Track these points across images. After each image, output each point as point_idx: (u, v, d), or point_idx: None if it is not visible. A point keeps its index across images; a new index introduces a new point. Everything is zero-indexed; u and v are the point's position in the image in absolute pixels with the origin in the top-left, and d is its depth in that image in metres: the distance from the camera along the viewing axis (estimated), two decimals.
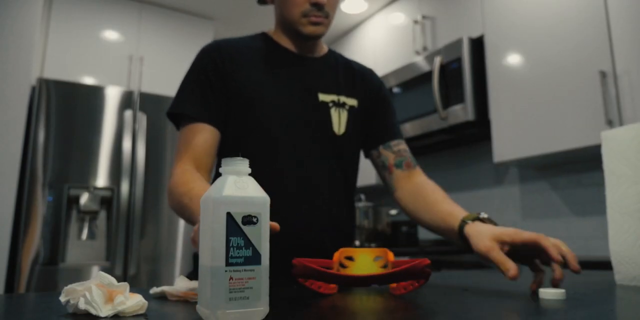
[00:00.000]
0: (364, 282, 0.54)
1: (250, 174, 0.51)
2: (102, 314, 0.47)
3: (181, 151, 0.98)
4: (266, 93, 1.02)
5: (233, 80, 1.02)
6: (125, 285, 0.50)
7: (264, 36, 1.12)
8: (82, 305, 0.48)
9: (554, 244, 0.70)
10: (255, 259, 0.47)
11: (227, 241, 0.46)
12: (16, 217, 2.38)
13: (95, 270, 2.45)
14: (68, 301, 0.49)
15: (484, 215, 0.86)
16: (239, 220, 0.47)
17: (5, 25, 2.49)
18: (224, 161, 0.50)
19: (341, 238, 1.07)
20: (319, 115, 1.05)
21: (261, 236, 0.48)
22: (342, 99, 1.09)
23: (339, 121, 1.07)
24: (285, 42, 1.10)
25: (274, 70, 1.06)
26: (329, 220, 1.04)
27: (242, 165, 0.50)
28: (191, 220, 0.81)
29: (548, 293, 0.60)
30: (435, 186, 1.05)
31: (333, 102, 1.08)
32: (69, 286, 0.50)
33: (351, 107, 1.10)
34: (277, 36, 1.11)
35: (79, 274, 2.41)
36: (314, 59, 1.12)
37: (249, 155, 0.77)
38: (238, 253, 0.46)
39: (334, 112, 1.07)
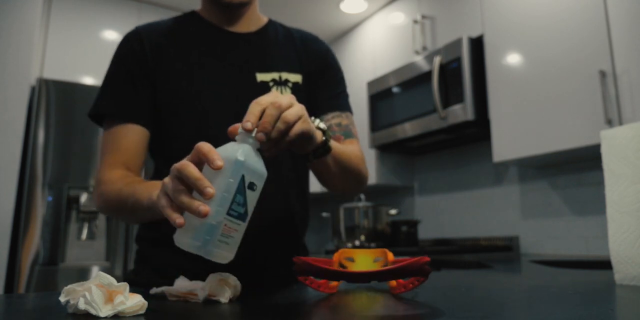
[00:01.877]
0: (364, 278, 0.54)
1: None
2: (102, 314, 0.47)
3: (107, 154, 0.90)
4: (197, 80, 0.93)
5: (159, 71, 0.93)
6: (125, 286, 0.50)
7: (192, 15, 1.01)
8: (81, 306, 0.48)
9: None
10: (243, 217, 0.57)
11: (234, 196, 0.55)
12: (16, 217, 2.38)
13: (95, 271, 2.45)
14: (68, 301, 0.49)
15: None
16: (246, 184, 0.56)
17: (5, 25, 2.49)
18: (244, 133, 0.58)
19: (287, 239, 0.99)
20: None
21: (253, 202, 0.58)
22: (284, 75, 0.98)
23: None
24: (215, 19, 0.99)
25: (204, 53, 0.96)
26: (275, 217, 0.94)
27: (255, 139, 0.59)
28: (139, 204, 0.75)
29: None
30: (350, 152, 0.92)
31: (274, 80, 0.97)
32: (69, 286, 0.50)
33: (295, 84, 0.99)
34: (205, 13, 1.00)
35: (79, 274, 2.41)
36: (248, 35, 1.00)
37: (186, 149, 0.73)
38: (236, 208, 0.55)
39: (275, 92, 0.99)
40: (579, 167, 2.19)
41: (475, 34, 2.37)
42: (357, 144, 1.01)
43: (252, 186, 0.57)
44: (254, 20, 1.02)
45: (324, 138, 0.76)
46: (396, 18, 2.97)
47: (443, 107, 2.33)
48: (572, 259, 1.76)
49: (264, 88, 0.95)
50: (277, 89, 0.97)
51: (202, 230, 0.53)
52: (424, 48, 2.69)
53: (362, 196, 2.87)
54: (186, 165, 0.55)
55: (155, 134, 0.95)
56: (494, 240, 2.51)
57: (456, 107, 2.28)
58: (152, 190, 0.72)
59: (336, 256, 0.74)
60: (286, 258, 0.98)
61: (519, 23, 2.15)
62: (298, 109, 0.64)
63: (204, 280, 0.63)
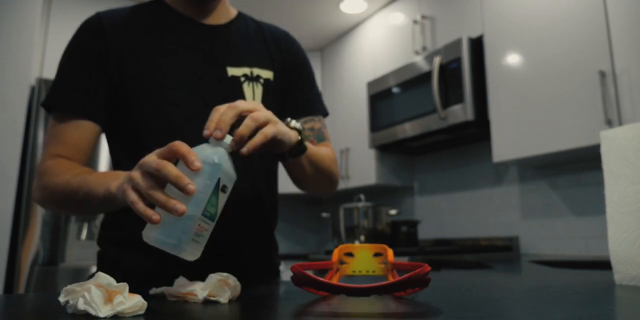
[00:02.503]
0: (364, 292, 0.54)
1: None
2: (101, 315, 0.47)
3: (52, 145, 0.87)
4: (164, 73, 0.89)
5: (123, 60, 0.88)
6: (125, 286, 0.50)
7: (158, 3, 0.97)
8: (81, 306, 0.48)
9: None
10: (213, 217, 0.59)
11: (209, 197, 0.57)
12: (15, 217, 2.37)
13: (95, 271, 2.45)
14: (67, 302, 0.49)
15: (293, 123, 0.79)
16: (220, 186, 0.59)
17: (5, 25, 2.49)
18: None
19: (258, 232, 0.96)
20: (229, 93, 0.91)
21: (223, 203, 0.61)
22: (256, 71, 0.95)
23: (252, 97, 0.94)
24: (183, 8, 0.95)
25: (172, 44, 0.91)
26: (245, 214, 0.92)
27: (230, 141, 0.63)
28: (92, 195, 0.72)
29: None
30: (324, 153, 0.94)
31: (245, 75, 0.94)
32: (68, 286, 0.50)
33: (266, 80, 0.96)
34: (172, 1, 0.96)
35: (79, 275, 2.41)
36: (219, 27, 0.97)
37: (153, 141, 0.72)
38: (210, 209, 0.58)
39: (247, 88, 0.93)
40: (579, 167, 2.19)
41: (475, 34, 2.37)
42: (330, 147, 1.02)
43: (224, 188, 0.60)
44: (224, 12, 0.99)
45: (299, 138, 0.78)
46: (396, 18, 2.97)
47: (443, 107, 2.33)
48: (571, 259, 1.76)
49: (235, 83, 0.93)
50: (248, 84, 0.94)
51: (177, 228, 0.55)
52: (424, 48, 2.69)
53: (362, 196, 2.87)
54: (165, 164, 0.56)
55: (117, 125, 0.91)
56: (494, 240, 2.51)
57: (456, 108, 2.28)
58: (109, 180, 0.71)
59: (336, 252, 0.74)
60: (259, 252, 0.96)
61: (518, 23, 2.15)
62: (265, 113, 0.68)
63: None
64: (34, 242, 2.34)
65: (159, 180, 0.56)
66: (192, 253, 0.58)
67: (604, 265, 1.22)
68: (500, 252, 2.37)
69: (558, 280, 0.86)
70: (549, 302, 0.55)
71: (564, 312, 0.49)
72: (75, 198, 0.77)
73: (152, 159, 0.58)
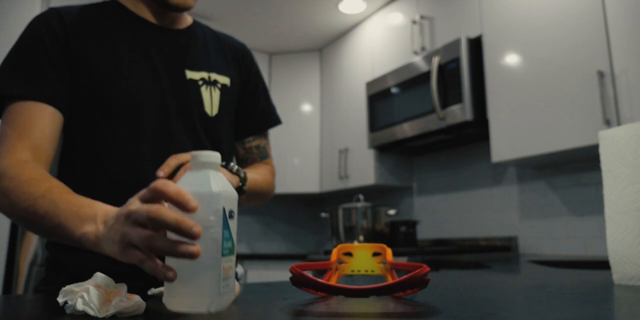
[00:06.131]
0: (363, 293, 0.54)
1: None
2: (100, 315, 0.47)
3: (12, 137, 0.77)
4: (123, 72, 0.87)
5: (80, 58, 0.85)
6: (123, 286, 0.50)
7: (115, 5, 0.95)
8: (79, 306, 0.48)
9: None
10: (233, 250, 0.50)
11: (222, 234, 0.48)
12: None
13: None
14: (66, 302, 0.49)
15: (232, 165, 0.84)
16: (227, 215, 0.49)
17: (5, 25, 2.48)
18: (199, 155, 0.50)
19: None
20: (187, 95, 0.92)
21: (235, 229, 0.50)
22: (213, 76, 0.97)
23: (210, 101, 0.95)
24: (142, 12, 0.95)
25: (131, 45, 0.90)
26: None
27: (218, 158, 0.51)
28: (63, 232, 0.62)
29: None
30: (262, 181, 0.97)
31: (203, 79, 0.95)
32: (67, 287, 0.50)
33: (223, 85, 0.99)
34: (131, 5, 0.95)
35: None
36: (177, 31, 0.97)
37: (109, 144, 0.73)
38: (226, 245, 0.48)
39: (204, 91, 0.95)
40: (578, 167, 2.19)
41: (473, 34, 2.37)
42: (270, 163, 1.08)
43: (232, 214, 0.49)
44: (182, 19, 1.00)
45: (240, 184, 0.83)
46: (395, 18, 2.98)
47: (442, 107, 2.34)
48: (570, 259, 1.76)
49: (194, 86, 0.94)
50: (206, 88, 0.95)
51: (203, 283, 0.47)
52: (423, 48, 2.69)
53: (361, 196, 2.87)
54: (157, 209, 0.46)
55: (74, 121, 0.87)
56: (493, 240, 2.51)
57: (455, 108, 2.28)
58: (83, 217, 0.60)
59: (335, 252, 0.74)
60: None
61: (517, 23, 2.15)
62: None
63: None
64: (32, 242, 2.34)
65: (155, 228, 0.48)
66: (228, 301, 0.49)
67: (603, 265, 1.22)
68: (499, 252, 2.37)
69: (556, 280, 0.86)
70: (547, 302, 0.55)
71: (563, 312, 0.49)
72: (40, 225, 0.67)
73: (138, 206, 0.48)
